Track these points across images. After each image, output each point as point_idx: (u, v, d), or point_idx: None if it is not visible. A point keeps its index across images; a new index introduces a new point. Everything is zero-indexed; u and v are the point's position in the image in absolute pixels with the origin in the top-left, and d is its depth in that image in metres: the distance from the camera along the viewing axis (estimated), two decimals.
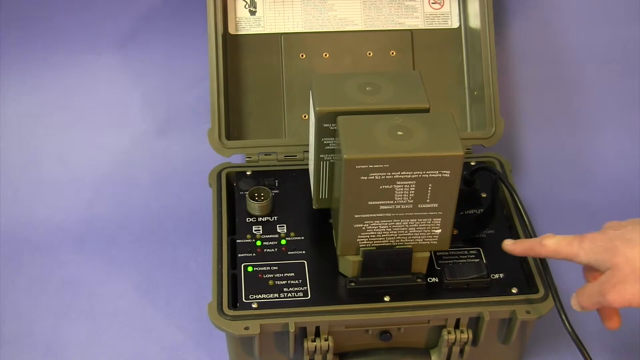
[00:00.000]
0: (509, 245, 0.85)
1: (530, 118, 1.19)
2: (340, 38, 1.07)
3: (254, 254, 0.91)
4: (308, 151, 0.95)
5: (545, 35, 1.16)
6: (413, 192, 0.80)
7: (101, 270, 1.05)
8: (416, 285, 0.87)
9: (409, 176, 0.79)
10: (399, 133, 0.80)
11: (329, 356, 0.87)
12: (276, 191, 0.97)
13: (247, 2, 1.06)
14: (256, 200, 0.95)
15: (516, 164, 1.18)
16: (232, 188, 0.99)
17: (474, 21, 1.07)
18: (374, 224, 0.83)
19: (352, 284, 0.87)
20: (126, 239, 1.09)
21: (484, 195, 0.97)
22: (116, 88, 1.15)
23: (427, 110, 0.85)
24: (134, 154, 1.16)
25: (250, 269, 0.89)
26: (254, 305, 0.85)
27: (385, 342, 0.88)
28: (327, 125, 0.85)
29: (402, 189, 0.80)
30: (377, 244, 0.84)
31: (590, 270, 0.79)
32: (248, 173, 1.00)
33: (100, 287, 1.03)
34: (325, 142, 0.87)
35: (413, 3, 1.08)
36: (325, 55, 1.07)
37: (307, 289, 0.87)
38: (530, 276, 0.89)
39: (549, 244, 0.80)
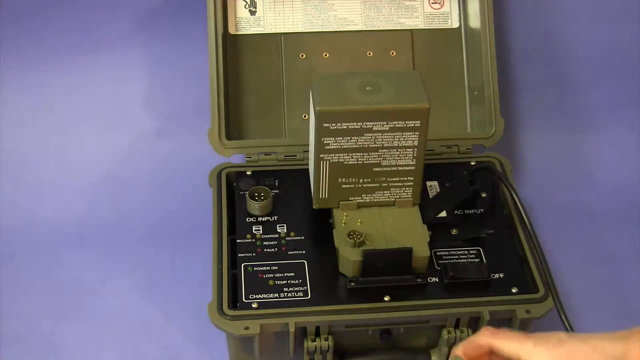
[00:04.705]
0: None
1: (530, 118, 1.19)
2: (340, 38, 1.07)
3: (254, 254, 0.91)
4: (308, 151, 0.95)
5: (545, 35, 1.15)
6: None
7: (101, 270, 1.05)
8: (416, 285, 0.87)
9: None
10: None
11: (329, 356, 0.87)
12: (276, 191, 0.97)
13: (247, 2, 1.06)
14: (256, 200, 0.95)
15: (516, 164, 1.18)
16: (232, 188, 0.99)
17: (474, 21, 1.07)
18: None
19: (352, 283, 0.87)
20: (126, 238, 1.09)
21: (484, 195, 0.97)
22: (116, 88, 1.15)
23: (427, 110, 0.85)
24: (134, 154, 1.15)
25: (250, 269, 0.89)
26: (254, 305, 0.85)
27: (385, 342, 0.88)
28: (327, 125, 0.85)
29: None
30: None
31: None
32: (248, 173, 1.00)
33: (100, 287, 1.03)
34: (325, 142, 0.87)
35: (413, 3, 1.08)
36: (325, 55, 1.07)
37: (307, 288, 0.87)
38: (531, 276, 0.89)
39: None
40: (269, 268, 0.89)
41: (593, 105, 1.19)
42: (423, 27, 1.08)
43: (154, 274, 1.05)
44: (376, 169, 0.89)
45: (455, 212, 0.95)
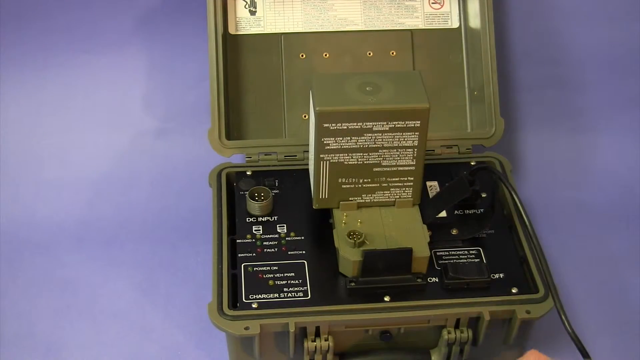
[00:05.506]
0: None
1: (530, 118, 1.19)
2: (340, 38, 1.07)
3: (254, 254, 0.91)
4: (308, 151, 0.95)
5: (545, 35, 1.16)
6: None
7: (101, 270, 1.05)
8: (416, 285, 0.87)
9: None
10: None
11: (329, 356, 0.87)
12: (276, 191, 0.97)
13: (247, 2, 1.06)
14: (256, 200, 0.95)
15: (516, 164, 1.18)
16: (232, 188, 0.99)
17: (474, 21, 1.07)
18: None
19: (352, 284, 0.87)
20: (126, 239, 1.09)
21: (484, 195, 0.97)
22: (116, 88, 1.15)
23: (427, 110, 0.85)
24: (134, 154, 1.15)
25: (250, 269, 0.89)
26: (254, 305, 0.85)
27: (385, 342, 0.88)
28: (327, 125, 0.85)
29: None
30: None
31: None
32: (248, 173, 1.00)
33: (100, 287, 1.03)
34: (325, 142, 0.87)
35: (413, 3, 1.08)
36: (325, 55, 1.07)
37: (307, 289, 0.87)
38: (531, 276, 0.89)
39: None
40: (269, 268, 0.89)
41: (593, 106, 1.19)
42: (423, 27, 1.08)
43: (154, 274, 1.05)
44: (376, 169, 0.89)
45: (455, 212, 0.95)
